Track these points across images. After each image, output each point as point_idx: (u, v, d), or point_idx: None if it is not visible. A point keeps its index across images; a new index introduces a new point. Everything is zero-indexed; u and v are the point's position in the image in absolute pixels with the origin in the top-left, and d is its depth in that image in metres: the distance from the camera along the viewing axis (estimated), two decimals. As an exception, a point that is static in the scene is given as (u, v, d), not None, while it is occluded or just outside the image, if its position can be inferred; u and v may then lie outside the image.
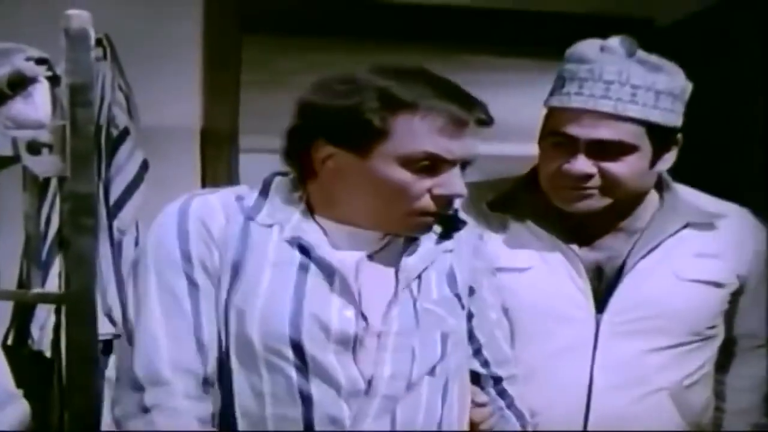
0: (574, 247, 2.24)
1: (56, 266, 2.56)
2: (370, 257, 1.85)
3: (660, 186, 2.30)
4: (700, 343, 2.26)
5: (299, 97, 1.84)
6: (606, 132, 2.11)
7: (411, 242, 1.88)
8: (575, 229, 2.25)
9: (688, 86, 2.19)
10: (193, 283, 1.78)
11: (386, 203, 1.79)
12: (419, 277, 1.87)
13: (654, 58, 2.17)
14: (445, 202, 1.82)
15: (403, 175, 1.77)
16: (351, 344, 1.78)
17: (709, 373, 2.33)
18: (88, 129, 1.77)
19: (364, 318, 1.80)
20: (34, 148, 1.76)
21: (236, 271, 1.78)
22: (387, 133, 1.75)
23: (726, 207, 2.32)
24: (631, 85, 2.11)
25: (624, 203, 2.22)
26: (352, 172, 1.79)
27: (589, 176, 2.14)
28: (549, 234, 2.24)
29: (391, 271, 1.86)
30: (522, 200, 2.29)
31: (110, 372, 3.20)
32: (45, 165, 1.74)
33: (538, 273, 2.23)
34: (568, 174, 2.15)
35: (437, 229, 1.90)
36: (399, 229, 1.85)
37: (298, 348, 1.75)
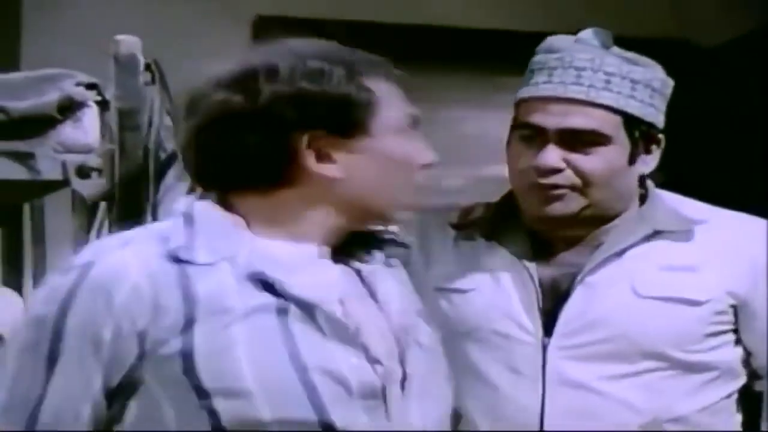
0: (530, 264, 1.97)
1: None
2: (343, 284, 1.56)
3: (644, 199, 2.03)
4: (675, 371, 1.92)
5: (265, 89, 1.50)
6: (578, 120, 1.90)
7: (361, 264, 1.61)
8: (545, 246, 1.99)
9: (669, 82, 1.99)
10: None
11: (400, 182, 1.56)
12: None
13: (631, 54, 1.97)
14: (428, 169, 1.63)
15: (405, 145, 1.56)
16: (380, 397, 1.48)
17: (718, 413, 1.95)
18: (136, 153, 1.80)
19: (378, 362, 1.49)
20: (83, 171, 1.79)
21: (187, 336, 1.40)
22: (374, 105, 1.54)
23: (715, 213, 2.01)
24: (604, 72, 1.92)
25: (602, 214, 1.96)
26: (363, 158, 1.53)
27: (559, 170, 1.91)
28: (507, 252, 1.99)
29: (370, 300, 1.58)
30: (492, 220, 2.04)
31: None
32: (94, 188, 1.76)
33: (481, 294, 1.99)
34: (537, 169, 1.91)
35: (381, 255, 1.65)
36: (399, 214, 1.61)
37: (328, 427, 1.42)
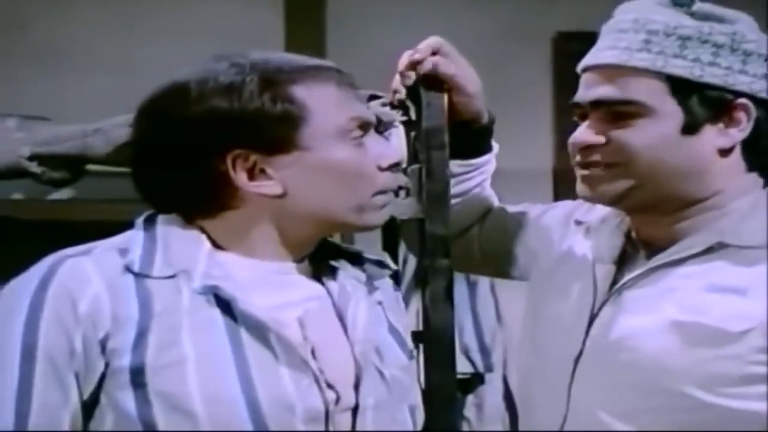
0: (603, 267, 1.74)
1: (413, 305, 2.62)
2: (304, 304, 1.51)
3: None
4: (701, 417, 1.57)
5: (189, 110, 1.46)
6: (603, 90, 1.65)
7: (334, 284, 1.55)
8: (635, 246, 1.75)
9: (751, 36, 1.64)
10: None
11: (349, 190, 1.49)
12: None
13: (716, 9, 1.67)
14: (395, 172, 1.56)
15: (342, 152, 1.48)
16: (322, 423, 1.43)
17: None
18: (442, 171, 1.80)
19: (330, 387, 1.45)
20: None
21: (141, 349, 1.39)
22: (298, 116, 1.46)
23: None
24: (646, 31, 1.63)
25: (665, 198, 1.66)
26: (299, 172, 1.47)
27: (591, 147, 1.67)
28: (590, 253, 1.78)
29: (336, 323, 1.52)
30: (606, 214, 1.83)
31: (468, 412, 3.25)
32: (403, 207, 1.77)
33: (557, 296, 1.79)
34: (572, 148, 1.71)
35: (360, 276, 1.59)
36: (364, 220, 1.53)
37: None
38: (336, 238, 1.74)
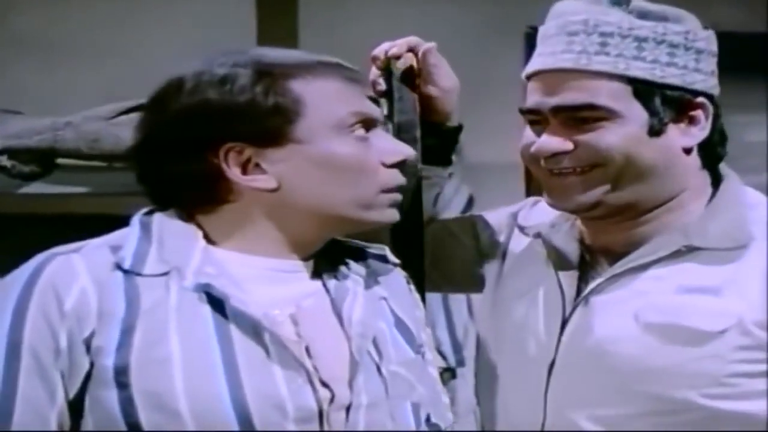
0: (566, 274, 1.71)
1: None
2: (302, 304, 1.48)
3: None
4: (686, 416, 1.57)
5: (182, 103, 1.45)
6: (568, 96, 1.60)
7: (333, 280, 1.52)
8: (592, 253, 1.73)
9: (701, 34, 1.65)
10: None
11: (350, 185, 1.46)
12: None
13: (646, 5, 1.65)
14: (399, 170, 1.50)
15: (342, 147, 1.45)
16: (316, 422, 1.39)
17: None
18: (413, 165, 1.80)
19: (325, 386, 1.41)
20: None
21: (125, 347, 1.37)
22: (294, 109, 1.43)
23: None
24: (600, 33, 1.60)
25: (636, 203, 1.64)
26: (294, 165, 1.45)
27: (558, 154, 1.62)
28: (551, 261, 1.74)
29: (332, 320, 1.49)
30: (552, 224, 1.79)
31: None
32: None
33: (520, 305, 1.76)
34: (533, 156, 1.66)
35: (362, 271, 1.56)
36: (371, 216, 1.49)
37: None
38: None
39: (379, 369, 1.47)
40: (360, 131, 1.48)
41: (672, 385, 1.57)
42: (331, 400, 1.41)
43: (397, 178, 1.51)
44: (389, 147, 1.51)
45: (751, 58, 3.74)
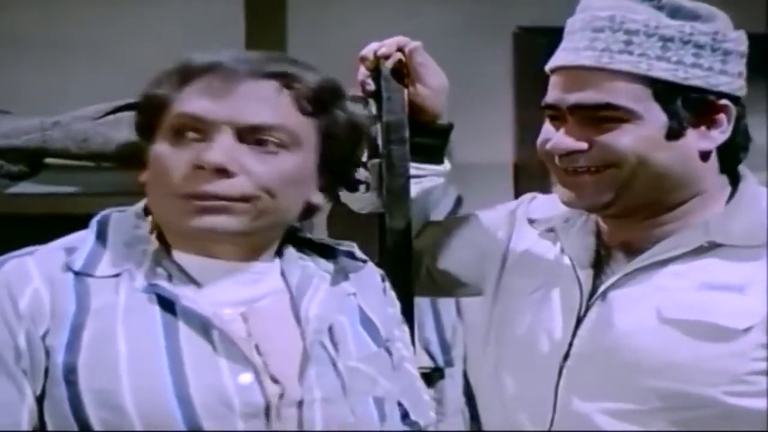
0: (583, 272, 1.70)
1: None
2: (255, 302, 1.48)
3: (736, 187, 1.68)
4: (705, 412, 1.56)
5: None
6: (586, 94, 1.59)
7: (297, 278, 1.52)
8: (608, 249, 1.72)
9: (731, 35, 1.63)
10: None
11: (154, 189, 1.46)
12: (330, 328, 1.49)
13: (689, 3, 1.62)
14: (205, 177, 1.41)
15: (161, 148, 1.44)
16: (263, 418, 1.39)
17: None
18: (403, 165, 1.81)
19: (276, 382, 1.42)
20: (351, 185, 1.80)
21: (74, 346, 1.39)
22: (160, 106, 1.45)
23: None
24: (625, 31, 1.57)
25: (651, 204, 1.64)
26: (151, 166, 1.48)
27: (573, 153, 1.62)
28: (567, 257, 1.73)
29: (289, 318, 1.49)
30: (566, 218, 1.78)
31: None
32: (362, 201, 1.78)
33: (532, 300, 1.75)
34: (549, 153, 1.65)
35: (329, 268, 1.56)
36: (176, 221, 1.45)
37: None
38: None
39: (335, 364, 1.47)
40: (183, 132, 1.45)
41: (691, 381, 1.57)
42: (281, 395, 1.41)
43: (191, 184, 1.43)
44: (204, 150, 1.43)
45: (751, 58, 3.73)
